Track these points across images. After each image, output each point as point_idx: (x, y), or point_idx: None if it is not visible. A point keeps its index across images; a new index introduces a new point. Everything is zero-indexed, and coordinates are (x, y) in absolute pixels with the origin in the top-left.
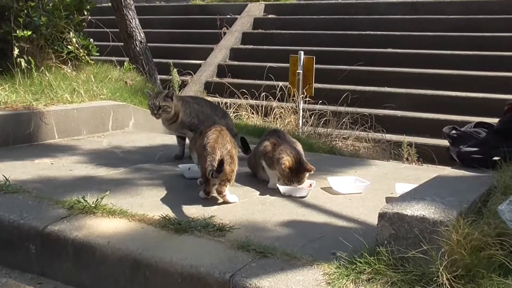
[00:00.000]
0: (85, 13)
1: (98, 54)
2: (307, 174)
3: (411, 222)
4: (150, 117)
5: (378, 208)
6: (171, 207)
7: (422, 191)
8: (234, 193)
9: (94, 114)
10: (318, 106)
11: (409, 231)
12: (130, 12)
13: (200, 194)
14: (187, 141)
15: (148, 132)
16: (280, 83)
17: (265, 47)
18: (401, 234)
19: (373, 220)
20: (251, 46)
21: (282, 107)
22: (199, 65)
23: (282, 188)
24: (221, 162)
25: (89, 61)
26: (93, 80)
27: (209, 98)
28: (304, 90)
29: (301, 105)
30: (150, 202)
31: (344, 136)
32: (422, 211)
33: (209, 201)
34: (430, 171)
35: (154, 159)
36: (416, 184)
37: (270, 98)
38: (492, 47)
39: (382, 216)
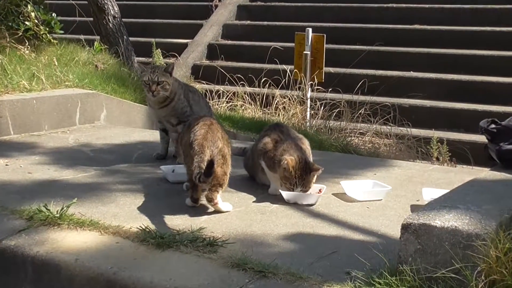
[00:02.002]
0: None
1: (62, 31)
2: (315, 177)
3: (440, 235)
4: (127, 108)
5: (401, 218)
6: (152, 217)
7: (455, 198)
8: (227, 200)
9: (57, 104)
10: (329, 95)
11: (438, 246)
12: None
13: (186, 202)
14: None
15: (123, 127)
16: (284, 67)
17: (265, 23)
18: (429, 250)
19: (395, 232)
20: (248, 22)
21: (286, 96)
22: (185, 45)
23: (286, 194)
24: (211, 163)
25: (52, 40)
26: (56, 63)
27: (197, 86)
28: (313, 75)
29: (309, 94)
30: (126, 212)
31: (361, 131)
32: (454, 222)
33: (198, 210)
34: (465, 174)
35: (131, 160)
36: (447, 190)
37: (272, 85)
38: None
39: (406, 227)
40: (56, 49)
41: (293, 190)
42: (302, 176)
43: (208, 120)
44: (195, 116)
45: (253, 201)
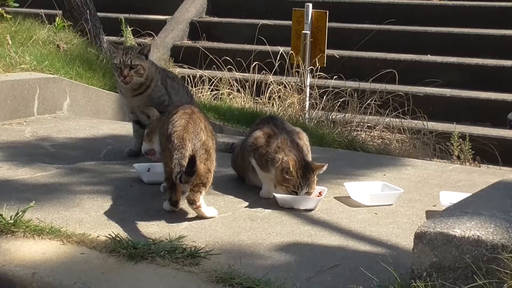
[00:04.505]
0: None
1: (17, 4)
2: (316, 176)
3: (461, 246)
4: (94, 96)
5: (414, 226)
6: (123, 224)
7: (478, 203)
8: (212, 204)
9: (11, 91)
10: (332, 82)
11: (458, 258)
12: None
13: (164, 206)
14: None
15: (90, 118)
16: (280, 49)
17: None
18: (447, 263)
19: (408, 243)
20: None
21: (282, 83)
22: (164, 22)
23: (281, 198)
24: (193, 161)
25: (4, 14)
26: (10, 42)
27: (177, 70)
28: (314, 59)
29: (308, 80)
30: (93, 217)
31: (369, 124)
32: (477, 231)
33: (177, 215)
34: (490, 175)
35: (99, 156)
36: (469, 193)
37: (265, 70)
38: None
39: (420, 237)
40: (9, 26)
41: (297, 194)
42: (306, 175)
43: (189, 109)
44: (176, 104)
45: (242, 206)
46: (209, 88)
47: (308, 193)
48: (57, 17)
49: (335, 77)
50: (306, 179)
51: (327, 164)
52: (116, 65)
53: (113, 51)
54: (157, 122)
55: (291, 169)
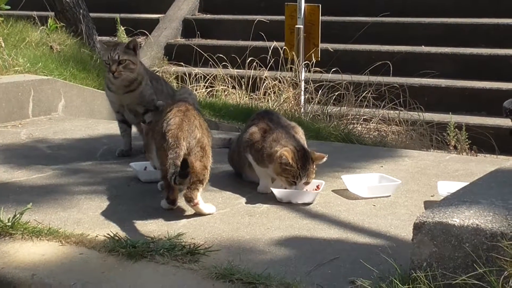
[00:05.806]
0: None
1: (9, 7)
2: (314, 167)
3: (460, 235)
4: (89, 97)
5: (413, 217)
6: (121, 223)
7: (476, 192)
8: (210, 201)
9: (6, 94)
10: (327, 76)
11: (457, 248)
12: None
13: (162, 204)
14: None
15: (85, 118)
16: (275, 44)
17: None
18: (447, 253)
19: (407, 233)
20: None
21: (277, 78)
22: (157, 21)
23: (278, 193)
24: (186, 162)
25: None
26: (3, 45)
27: (172, 69)
28: (308, 53)
29: (303, 75)
30: (91, 217)
31: (365, 117)
32: (476, 220)
33: (175, 213)
34: (487, 163)
35: (96, 156)
36: (466, 182)
37: (259, 66)
38: None
39: (419, 227)
40: (2, 28)
41: (295, 184)
42: (305, 166)
43: (183, 106)
44: (169, 101)
45: (240, 202)
46: (204, 86)
47: (306, 183)
48: (50, 19)
49: (330, 70)
50: (306, 170)
51: (327, 155)
52: (105, 61)
53: (102, 48)
54: (149, 135)
55: (290, 162)
